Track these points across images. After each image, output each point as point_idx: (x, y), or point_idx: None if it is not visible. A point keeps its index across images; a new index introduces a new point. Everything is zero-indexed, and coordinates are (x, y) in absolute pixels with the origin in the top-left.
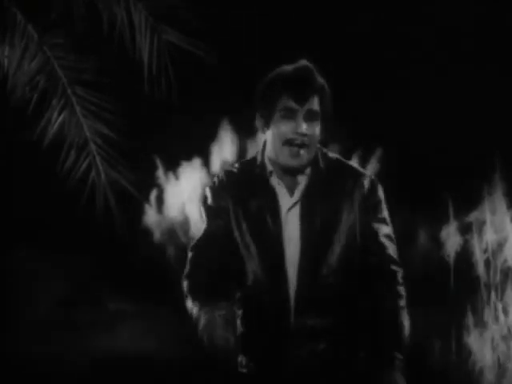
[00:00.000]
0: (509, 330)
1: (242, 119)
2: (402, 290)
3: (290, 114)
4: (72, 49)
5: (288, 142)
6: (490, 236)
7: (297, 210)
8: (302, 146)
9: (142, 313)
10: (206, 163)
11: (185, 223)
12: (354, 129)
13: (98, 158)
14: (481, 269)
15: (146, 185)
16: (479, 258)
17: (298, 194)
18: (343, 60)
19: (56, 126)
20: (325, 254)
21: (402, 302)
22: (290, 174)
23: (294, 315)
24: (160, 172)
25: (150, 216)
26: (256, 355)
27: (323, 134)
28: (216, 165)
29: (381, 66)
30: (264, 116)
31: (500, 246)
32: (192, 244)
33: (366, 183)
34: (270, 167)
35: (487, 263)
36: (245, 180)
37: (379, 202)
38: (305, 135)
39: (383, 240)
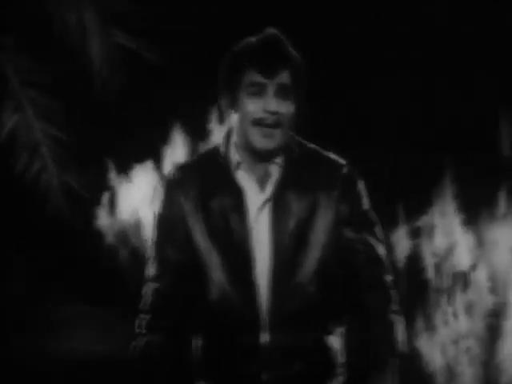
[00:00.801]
0: (458, 333)
1: (194, 122)
2: (393, 293)
3: (257, 90)
4: (23, 51)
5: (257, 122)
6: (439, 240)
7: (268, 208)
8: (273, 125)
9: (95, 314)
10: (159, 166)
11: (137, 226)
12: (304, 130)
13: (49, 161)
14: (431, 273)
15: (98, 187)
16: (429, 262)
17: (269, 188)
18: (306, 58)
19: (8, 128)
20: (301, 258)
21: (395, 306)
22: (261, 160)
23: (267, 333)
24: (112, 174)
25: (103, 218)
26: (221, 382)
27: (297, 117)
28: (168, 167)
29: (334, 66)
30: (228, 95)
31: (450, 250)
32: (150, 273)
33: (345, 175)
34: (236, 158)
35: (437, 267)
36: (204, 175)
37: (360, 195)
38: (276, 113)
39: (367, 238)
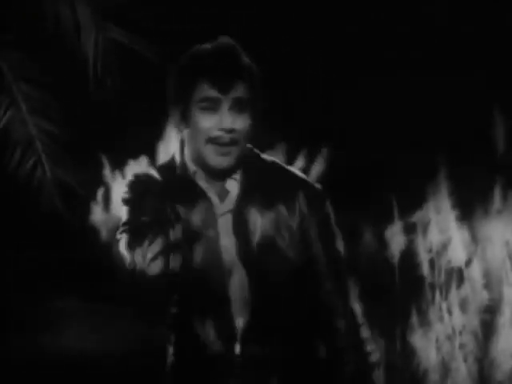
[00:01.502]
0: (453, 329)
1: None
2: (357, 308)
3: (211, 106)
4: (17, 46)
5: (212, 141)
6: (434, 236)
7: (229, 220)
8: (229, 144)
9: (88, 311)
10: (153, 162)
11: None
12: (300, 128)
13: (43, 156)
14: (425, 269)
15: (93, 183)
16: (424, 257)
17: (229, 203)
18: (289, 58)
19: (1, 123)
20: (269, 270)
21: (360, 319)
22: (217, 178)
23: (240, 343)
24: (106, 170)
25: (97, 214)
26: None
27: (253, 129)
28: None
29: (329, 64)
30: (178, 110)
31: (444, 245)
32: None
33: (311, 193)
34: (192, 167)
35: (432, 263)
36: (166, 182)
37: (326, 215)
38: (232, 130)
39: (331, 251)
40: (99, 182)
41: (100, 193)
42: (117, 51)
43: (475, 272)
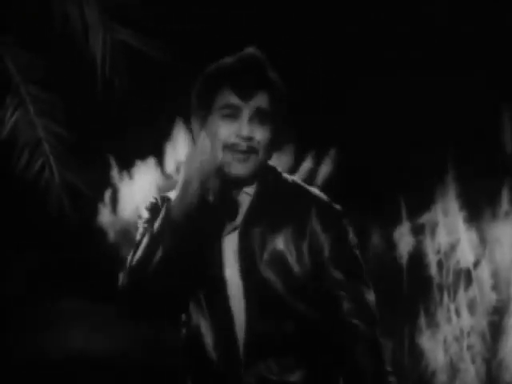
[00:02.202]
0: (461, 330)
1: None
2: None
3: (232, 113)
4: (25, 47)
5: (230, 148)
6: (442, 237)
7: (236, 237)
8: (247, 152)
9: (95, 312)
10: (161, 163)
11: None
12: (307, 129)
13: (51, 158)
14: (433, 270)
15: (100, 184)
16: (432, 259)
17: (240, 217)
18: (296, 59)
19: (9, 125)
20: (272, 293)
21: (387, 367)
22: (231, 187)
23: (244, 366)
24: (114, 171)
25: (104, 216)
26: None
27: (274, 144)
28: (170, 164)
29: (335, 66)
30: (200, 116)
31: (452, 247)
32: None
33: (325, 213)
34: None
35: (440, 264)
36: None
37: (341, 236)
38: (250, 139)
39: (356, 284)
40: (107, 183)
41: (107, 194)
42: (124, 52)
43: (483, 273)
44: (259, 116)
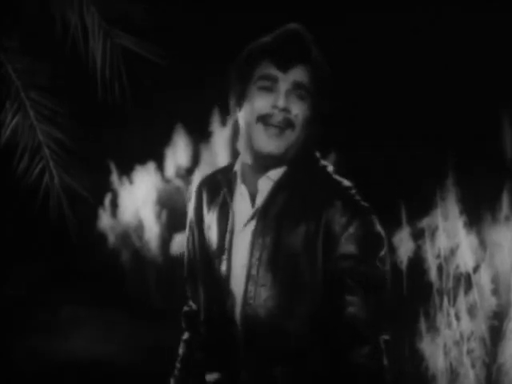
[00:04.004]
0: (461, 335)
1: (196, 123)
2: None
3: (269, 85)
4: (25, 52)
5: (263, 119)
6: (442, 242)
7: (248, 232)
8: (281, 124)
9: (95, 317)
10: (160, 167)
11: (139, 227)
12: None
13: (51, 163)
14: (433, 274)
15: (100, 189)
16: (432, 263)
17: (258, 202)
18: None
19: (9, 129)
20: (279, 295)
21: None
22: (261, 168)
23: (243, 365)
24: (114, 176)
25: (105, 220)
26: None
27: (315, 125)
28: (170, 169)
29: (335, 68)
30: (238, 91)
31: (452, 251)
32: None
33: (348, 209)
34: (236, 166)
35: (440, 269)
36: (213, 185)
37: (363, 235)
38: (286, 110)
39: (369, 297)
40: (107, 187)
41: (108, 198)
42: (125, 57)
43: (483, 278)
44: (297, 90)
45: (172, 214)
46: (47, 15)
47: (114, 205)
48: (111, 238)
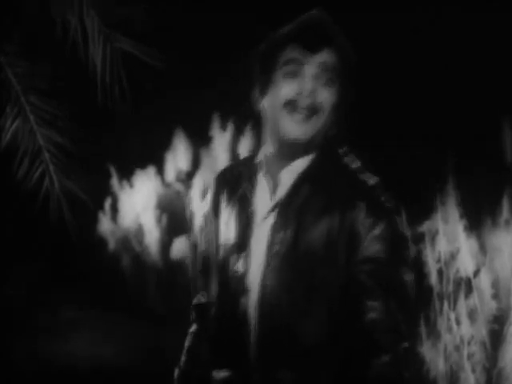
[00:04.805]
0: (461, 339)
1: (196, 127)
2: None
3: (294, 69)
4: (25, 56)
5: (290, 104)
6: (442, 246)
7: (267, 226)
8: (307, 110)
9: (96, 321)
10: (161, 171)
11: (139, 232)
12: None
13: (51, 167)
14: (433, 279)
15: (100, 193)
16: (432, 267)
17: (279, 194)
18: None
19: (9, 134)
20: (291, 291)
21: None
22: (286, 156)
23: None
24: (114, 180)
25: (105, 224)
26: None
27: (340, 113)
28: (170, 173)
29: None
30: (262, 80)
31: (453, 255)
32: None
33: (372, 209)
34: (258, 157)
35: (440, 273)
36: (233, 177)
37: (386, 236)
38: (313, 96)
39: (390, 302)
40: (107, 191)
41: (108, 202)
42: (125, 61)
43: (483, 282)
44: (324, 73)
45: (172, 218)
46: (47, 19)
47: (114, 209)
48: (111, 243)
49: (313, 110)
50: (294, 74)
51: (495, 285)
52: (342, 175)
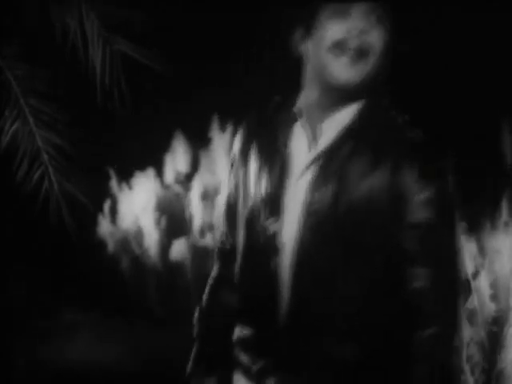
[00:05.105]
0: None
1: (196, 129)
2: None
3: (341, 9)
4: (25, 59)
5: (338, 45)
6: None
7: (308, 177)
8: (357, 51)
9: (95, 324)
10: (160, 173)
11: (139, 234)
12: None
13: (50, 169)
14: None
15: (100, 195)
16: None
17: (320, 147)
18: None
19: (9, 135)
20: (327, 254)
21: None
22: (324, 109)
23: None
24: (113, 182)
25: (104, 227)
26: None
27: (388, 56)
28: (169, 175)
29: None
30: (305, 22)
31: None
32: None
33: (422, 166)
34: (297, 105)
35: None
36: (266, 125)
37: (437, 196)
38: (363, 36)
39: (441, 274)
40: (106, 193)
41: (107, 205)
42: (124, 63)
43: (483, 284)
44: (375, 10)
45: (171, 220)
46: (47, 22)
47: (114, 211)
48: (110, 245)
49: (362, 52)
50: (341, 15)
51: (494, 286)
52: (390, 129)
